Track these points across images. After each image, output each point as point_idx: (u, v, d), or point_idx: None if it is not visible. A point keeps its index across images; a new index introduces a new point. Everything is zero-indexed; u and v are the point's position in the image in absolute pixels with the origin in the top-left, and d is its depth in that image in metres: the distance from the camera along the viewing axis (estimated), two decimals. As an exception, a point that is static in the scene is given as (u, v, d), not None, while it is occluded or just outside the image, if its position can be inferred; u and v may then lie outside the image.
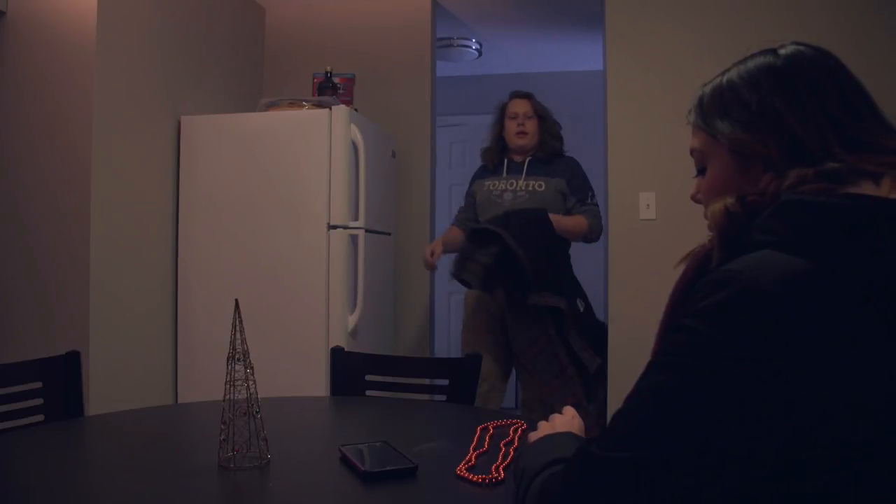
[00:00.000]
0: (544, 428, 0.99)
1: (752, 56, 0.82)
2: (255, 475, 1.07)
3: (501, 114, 3.02)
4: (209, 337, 2.80)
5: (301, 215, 2.80)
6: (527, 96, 3.02)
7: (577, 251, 4.78)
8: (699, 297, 0.67)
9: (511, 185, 2.89)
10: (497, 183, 2.92)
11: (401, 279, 3.43)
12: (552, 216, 2.75)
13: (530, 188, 2.86)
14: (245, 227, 2.84)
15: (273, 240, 2.82)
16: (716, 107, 0.82)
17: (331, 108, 2.81)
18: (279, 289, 2.79)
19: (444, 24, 3.89)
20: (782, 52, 0.80)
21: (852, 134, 0.73)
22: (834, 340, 0.62)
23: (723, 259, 0.72)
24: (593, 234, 2.88)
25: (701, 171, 0.86)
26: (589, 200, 2.90)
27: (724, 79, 0.82)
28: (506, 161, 2.96)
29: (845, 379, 0.62)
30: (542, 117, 2.98)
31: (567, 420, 1.00)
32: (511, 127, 2.95)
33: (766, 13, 3.00)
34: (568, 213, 2.88)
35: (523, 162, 2.93)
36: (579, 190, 2.91)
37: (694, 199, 0.88)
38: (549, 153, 2.94)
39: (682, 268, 0.80)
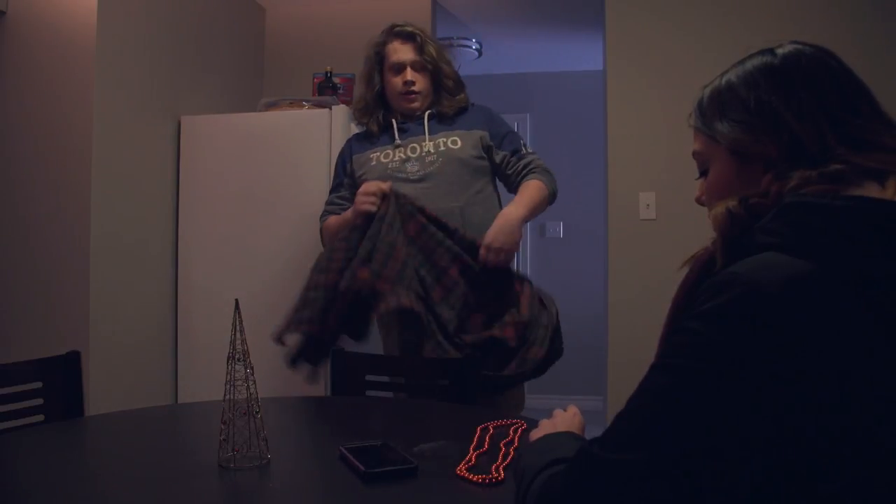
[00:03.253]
0: (545, 426, 0.99)
1: (751, 56, 0.82)
2: (255, 475, 1.07)
3: (379, 61, 2.13)
4: (209, 337, 2.80)
5: (301, 215, 2.79)
6: (411, 38, 2.10)
7: (577, 250, 4.75)
8: (702, 299, 0.67)
9: (413, 150, 2.02)
10: (391, 152, 2.05)
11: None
12: (516, 207, 1.92)
13: (441, 148, 2.01)
14: (245, 228, 2.84)
15: (273, 240, 2.81)
16: (715, 108, 0.82)
17: (331, 108, 2.81)
18: (279, 289, 2.79)
19: (444, 24, 3.89)
20: (780, 51, 0.80)
21: (852, 132, 0.73)
22: (837, 342, 0.62)
23: (726, 261, 0.72)
24: (553, 195, 2.07)
25: (704, 174, 0.86)
26: (524, 150, 2.08)
27: (723, 80, 0.83)
28: (394, 122, 2.09)
29: (848, 381, 0.62)
30: (437, 70, 2.09)
31: (568, 418, 1.00)
32: (395, 83, 2.07)
33: (766, 13, 3.00)
34: (502, 171, 2.08)
35: (422, 118, 2.08)
36: (507, 138, 2.08)
37: (698, 201, 0.88)
38: (454, 109, 2.10)
39: (684, 270, 0.80)
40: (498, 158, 2.06)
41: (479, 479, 1.02)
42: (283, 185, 2.81)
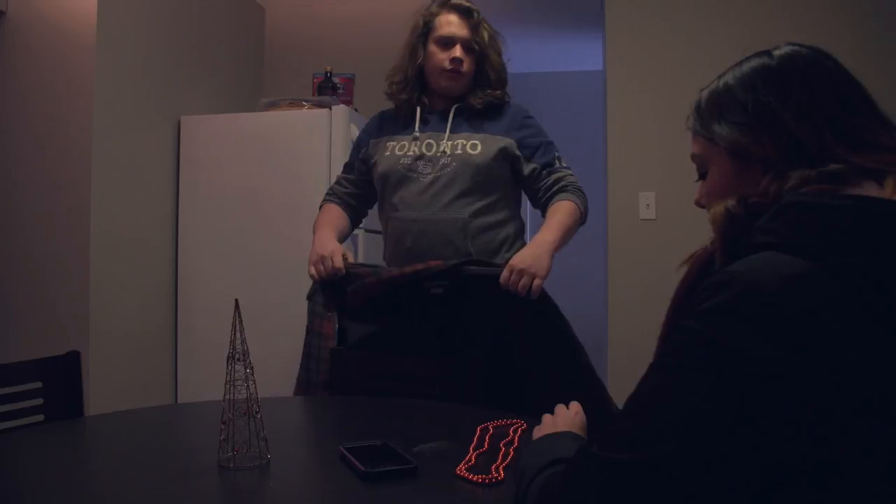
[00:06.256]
0: (547, 422, 0.99)
1: (748, 58, 0.82)
2: (255, 475, 1.07)
3: (426, 31, 1.91)
4: (209, 337, 2.80)
5: (301, 215, 2.79)
6: (468, 14, 1.90)
7: (577, 250, 4.80)
8: (701, 298, 0.67)
9: (429, 147, 1.87)
10: (407, 144, 1.90)
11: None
12: (549, 231, 1.75)
13: (458, 151, 1.85)
14: (245, 227, 2.84)
15: (273, 240, 2.82)
16: (713, 111, 0.82)
17: (331, 108, 2.81)
18: (279, 289, 2.79)
19: (444, 24, 3.89)
20: (777, 52, 0.80)
21: (850, 132, 0.73)
22: (836, 342, 0.62)
23: (725, 261, 0.72)
24: (584, 217, 1.89)
25: (703, 176, 0.86)
26: (558, 164, 1.89)
27: (721, 82, 0.83)
28: (419, 111, 1.93)
29: (847, 380, 0.62)
30: (484, 57, 1.91)
31: (570, 416, 1.00)
32: (440, 57, 1.88)
33: (765, 13, 3.00)
34: (529, 184, 1.90)
35: (447, 111, 1.91)
36: (541, 150, 1.89)
37: (698, 204, 0.88)
38: (486, 105, 1.91)
39: (684, 269, 0.80)
40: (526, 171, 1.88)
41: (479, 479, 1.01)
42: (282, 185, 2.82)
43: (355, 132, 2.83)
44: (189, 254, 2.91)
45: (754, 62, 0.81)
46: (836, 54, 0.80)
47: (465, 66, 1.88)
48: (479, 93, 1.90)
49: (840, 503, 0.62)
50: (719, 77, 0.84)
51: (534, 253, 1.69)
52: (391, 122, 1.98)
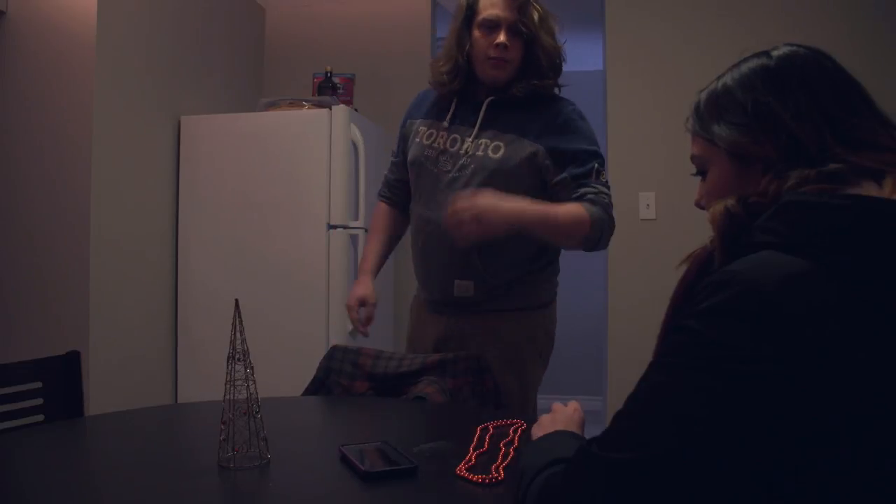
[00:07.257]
0: (545, 422, 0.99)
1: (746, 59, 0.82)
2: (255, 475, 1.07)
3: (469, 14, 1.72)
4: (209, 337, 2.80)
5: (301, 215, 2.80)
6: None
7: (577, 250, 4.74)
8: (701, 298, 0.67)
9: (454, 142, 1.71)
10: (435, 133, 1.76)
11: (401, 278, 3.43)
12: (528, 205, 1.55)
13: (479, 152, 1.67)
14: (245, 228, 2.84)
15: (273, 240, 2.82)
16: (712, 112, 0.82)
17: (331, 108, 2.81)
18: (279, 289, 2.79)
19: (444, 25, 3.88)
20: (775, 53, 0.80)
21: (849, 131, 0.74)
22: (836, 341, 0.62)
23: (724, 260, 0.72)
24: (598, 238, 1.63)
25: (702, 174, 0.86)
26: (594, 180, 1.64)
27: (720, 83, 0.83)
28: (454, 98, 1.76)
29: (847, 380, 0.62)
30: (533, 40, 1.69)
31: (568, 414, 1.00)
32: (483, 45, 1.68)
33: (765, 13, 3.00)
34: (553, 194, 1.67)
35: (480, 104, 1.72)
36: (577, 158, 1.65)
37: (698, 205, 0.88)
38: (530, 95, 1.69)
39: (683, 269, 0.80)
40: (555, 180, 1.66)
41: (479, 479, 1.02)
42: (282, 185, 2.82)
43: (355, 132, 2.83)
44: (189, 253, 2.91)
45: (753, 63, 0.81)
46: (836, 54, 0.80)
47: (511, 53, 1.67)
48: (523, 81, 1.69)
49: (840, 502, 0.62)
50: (718, 78, 0.84)
51: (496, 203, 1.51)
52: (429, 103, 1.84)
